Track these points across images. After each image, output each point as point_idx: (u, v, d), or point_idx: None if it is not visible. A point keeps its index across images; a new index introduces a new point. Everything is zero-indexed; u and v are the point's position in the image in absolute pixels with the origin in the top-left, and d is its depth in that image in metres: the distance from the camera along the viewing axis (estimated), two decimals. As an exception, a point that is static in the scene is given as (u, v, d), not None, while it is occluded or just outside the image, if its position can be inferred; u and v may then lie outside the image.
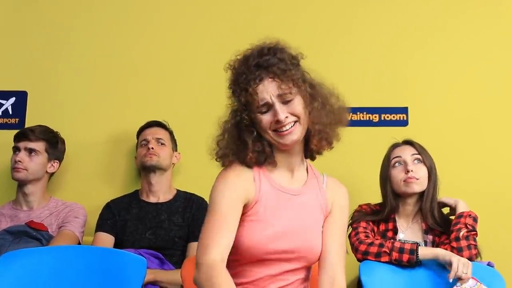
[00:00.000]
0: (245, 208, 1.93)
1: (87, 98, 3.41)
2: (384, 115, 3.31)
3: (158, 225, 3.01)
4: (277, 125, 1.91)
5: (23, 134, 3.09)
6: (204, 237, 1.85)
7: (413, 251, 2.47)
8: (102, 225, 3.03)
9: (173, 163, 3.22)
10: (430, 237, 2.69)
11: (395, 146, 2.82)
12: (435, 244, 2.66)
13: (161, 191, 3.14)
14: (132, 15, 3.49)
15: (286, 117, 1.90)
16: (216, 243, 1.82)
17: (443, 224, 2.68)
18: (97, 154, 3.36)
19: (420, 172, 2.70)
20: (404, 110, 3.32)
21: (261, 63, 1.93)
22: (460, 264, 2.37)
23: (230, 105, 1.99)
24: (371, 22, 3.44)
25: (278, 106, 1.91)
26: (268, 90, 1.91)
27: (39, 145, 3.07)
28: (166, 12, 3.49)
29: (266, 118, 1.92)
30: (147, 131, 3.22)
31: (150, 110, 3.34)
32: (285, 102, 1.92)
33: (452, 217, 2.68)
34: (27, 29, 3.50)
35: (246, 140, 1.93)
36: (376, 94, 3.34)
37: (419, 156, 2.73)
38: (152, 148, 3.12)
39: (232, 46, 1.98)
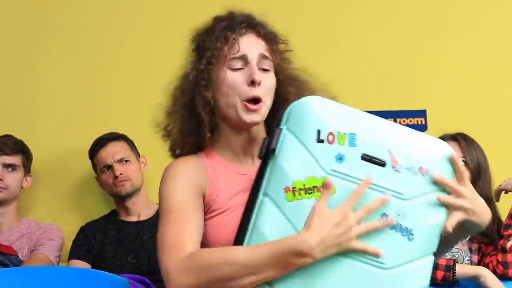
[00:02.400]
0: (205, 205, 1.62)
1: (59, 105, 3.20)
2: (400, 119, 3.13)
3: (141, 247, 2.81)
4: (250, 88, 1.58)
5: None
6: (167, 238, 1.52)
7: (450, 267, 2.23)
8: (76, 251, 2.87)
9: (142, 172, 2.97)
10: (475, 245, 2.49)
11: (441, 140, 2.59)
12: (480, 253, 2.44)
13: (140, 209, 2.92)
14: (110, 12, 3.32)
15: (259, 84, 1.59)
16: (187, 237, 1.50)
17: (493, 234, 2.43)
18: (73, 167, 3.14)
19: None
20: (422, 114, 3.15)
21: (248, 21, 1.65)
22: None
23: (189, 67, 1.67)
24: (384, 16, 3.26)
25: (255, 64, 1.60)
26: (251, 44, 1.61)
27: (17, 159, 2.90)
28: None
29: (238, 75, 1.59)
30: (103, 153, 2.89)
31: (129, 118, 3.09)
32: (262, 70, 1.62)
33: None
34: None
35: (199, 111, 1.61)
36: (391, 96, 3.17)
37: (463, 158, 2.52)
38: (121, 174, 2.84)
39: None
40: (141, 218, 2.89)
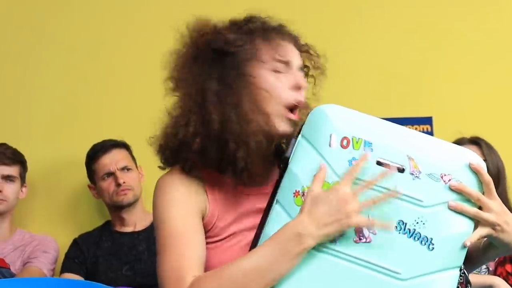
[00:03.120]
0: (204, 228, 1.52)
1: (53, 115, 3.16)
2: (405, 126, 3.01)
3: (136, 258, 2.78)
4: (293, 92, 1.49)
5: None
6: (166, 268, 1.42)
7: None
8: (68, 264, 2.83)
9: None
10: None
11: (458, 143, 2.50)
12: (497, 262, 2.35)
13: (136, 220, 2.87)
14: (105, 18, 3.30)
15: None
16: (187, 265, 1.41)
17: None
18: (68, 178, 3.10)
19: None
20: (428, 121, 3.14)
21: (283, 31, 1.55)
22: None
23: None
24: (388, 21, 3.25)
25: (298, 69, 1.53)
26: (293, 51, 1.52)
27: (16, 170, 2.86)
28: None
29: (281, 80, 1.49)
30: (106, 159, 2.82)
31: (125, 129, 3.03)
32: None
33: None
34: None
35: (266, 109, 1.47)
36: (396, 103, 3.15)
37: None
38: (124, 183, 2.78)
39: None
40: (137, 229, 2.85)
